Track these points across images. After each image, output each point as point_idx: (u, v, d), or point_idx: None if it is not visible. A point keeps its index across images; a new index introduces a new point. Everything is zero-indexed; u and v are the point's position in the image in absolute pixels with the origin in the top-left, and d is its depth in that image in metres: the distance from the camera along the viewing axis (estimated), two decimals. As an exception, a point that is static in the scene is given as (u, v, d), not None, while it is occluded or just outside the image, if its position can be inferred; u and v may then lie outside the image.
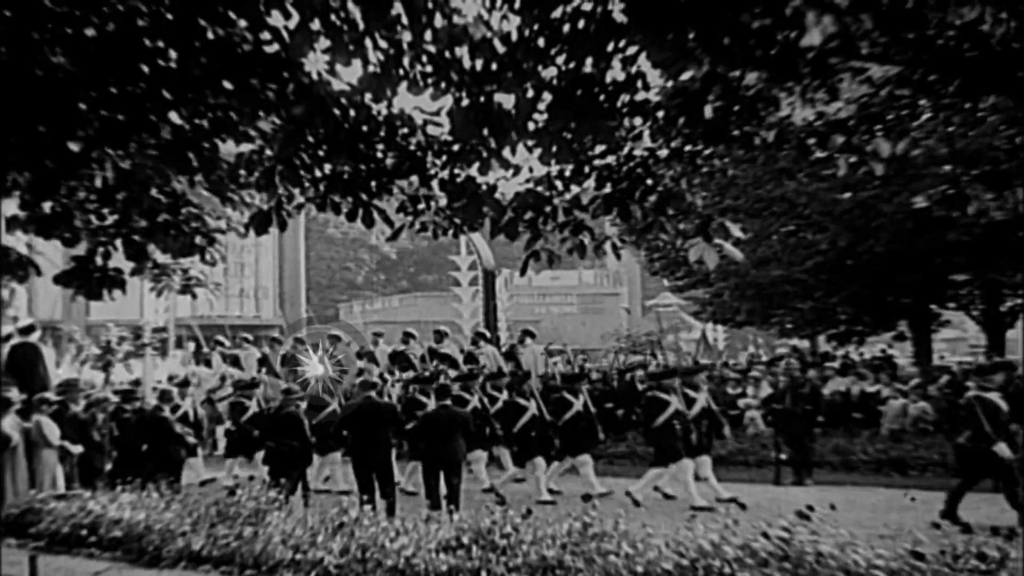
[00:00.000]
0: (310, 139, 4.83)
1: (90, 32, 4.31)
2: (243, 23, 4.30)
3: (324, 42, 4.24)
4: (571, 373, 13.02)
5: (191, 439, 11.38)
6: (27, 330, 12.53)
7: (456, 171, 5.09)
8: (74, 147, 4.66)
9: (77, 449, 10.48)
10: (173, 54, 4.33)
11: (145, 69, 4.33)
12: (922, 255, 16.21)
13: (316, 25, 4.11)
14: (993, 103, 11.34)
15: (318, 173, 5.18)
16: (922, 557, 5.44)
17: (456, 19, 4.22)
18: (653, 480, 10.79)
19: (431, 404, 11.17)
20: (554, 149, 4.67)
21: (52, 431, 10.22)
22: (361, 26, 4.14)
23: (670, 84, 4.52)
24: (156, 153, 4.89)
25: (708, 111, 4.42)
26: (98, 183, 5.21)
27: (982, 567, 5.29)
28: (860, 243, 16.77)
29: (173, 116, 4.70)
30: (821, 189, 16.70)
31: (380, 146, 5.01)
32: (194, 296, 7.16)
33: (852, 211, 16.62)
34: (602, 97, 4.34)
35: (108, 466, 10.77)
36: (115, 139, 4.73)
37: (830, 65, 4.19)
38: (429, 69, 4.36)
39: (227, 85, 4.37)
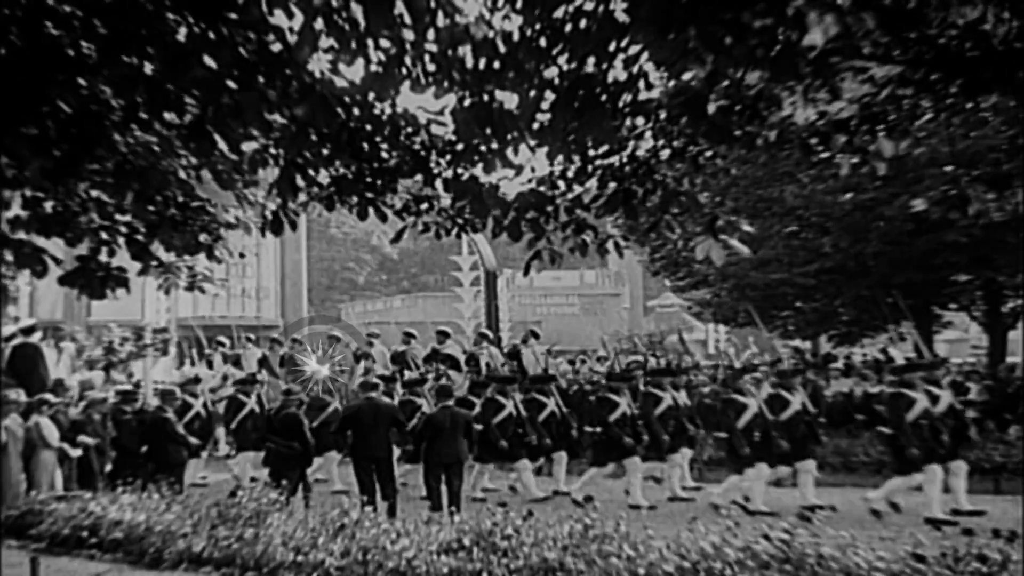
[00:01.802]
0: (313, 138, 4.83)
1: (100, 22, 4.31)
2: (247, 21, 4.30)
3: (326, 41, 4.23)
4: (788, 368, 11.76)
5: (193, 440, 11.37)
6: (29, 330, 12.53)
7: (459, 170, 5.08)
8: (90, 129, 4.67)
9: (76, 452, 10.46)
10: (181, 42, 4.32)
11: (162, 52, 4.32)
12: (922, 256, 16.20)
13: (319, 24, 4.10)
14: (994, 103, 11.34)
15: (323, 173, 5.19)
16: (923, 559, 5.44)
17: (458, 18, 4.21)
18: (899, 489, 9.61)
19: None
20: (556, 148, 4.67)
21: (51, 432, 10.21)
22: (363, 25, 4.13)
23: (672, 84, 4.52)
24: (176, 136, 4.89)
25: (710, 110, 4.41)
26: (110, 167, 5.21)
27: (983, 569, 5.28)
28: (860, 244, 16.76)
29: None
30: (820, 191, 16.69)
31: (384, 145, 5.01)
32: (202, 291, 7.15)
33: (852, 213, 16.61)
34: (604, 97, 4.33)
35: (108, 467, 10.76)
36: (136, 119, 4.72)
37: (832, 64, 4.18)
38: (432, 68, 4.35)
39: (231, 84, 4.36)
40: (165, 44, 4.26)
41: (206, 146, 4.70)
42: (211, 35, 4.19)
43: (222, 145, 4.81)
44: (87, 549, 7.94)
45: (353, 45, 4.19)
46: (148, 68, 4.40)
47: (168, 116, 4.75)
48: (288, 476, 9.31)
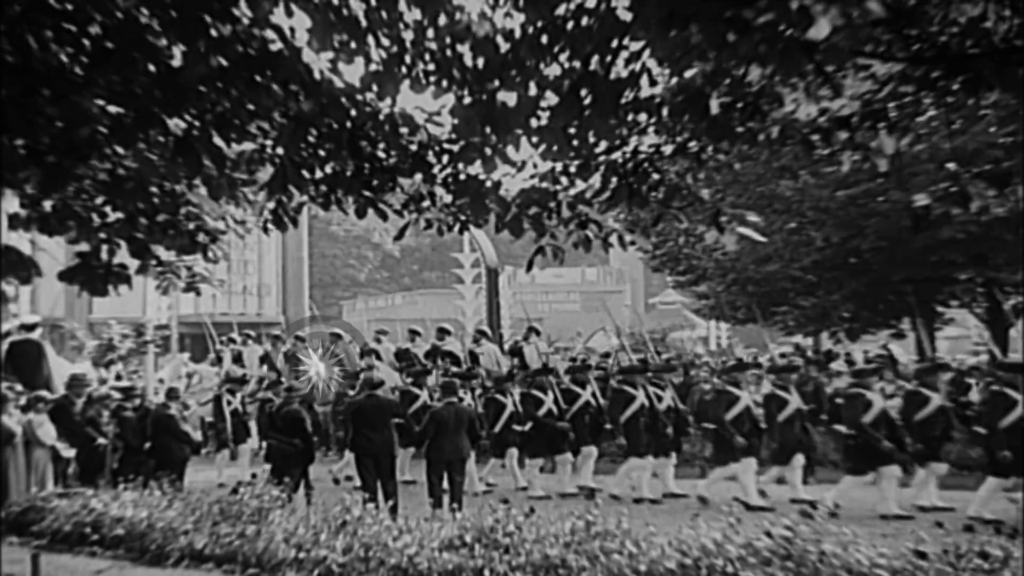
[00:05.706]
0: (312, 137, 4.83)
1: (94, 29, 4.30)
2: (246, 21, 4.29)
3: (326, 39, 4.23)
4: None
5: (197, 436, 11.40)
6: (31, 327, 12.53)
7: (460, 168, 5.08)
8: (81, 141, 4.66)
9: (69, 453, 10.43)
10: (177, 53, 4.31)
11: (151, 67, 4.31)
12: (920, 252, 16.16)
13: (320, 22, 4.10)
14: (995, 100, 11.32)
15: (321, 173, 5.18)
16: (925, 556, 5.43)
17: (459, 16, 4.21)
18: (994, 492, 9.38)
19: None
20: (556, 147, 4.66)
21: (45, 431, 10.18)
22: (364, 23, 4.13)
23: (674, 81, 4.51)
24: (161, 154, 4.88)
25: (713, 107, 4.40)
26: (103, 177, 5.21)
27: (985, 566, 5.28)
28: (858, 240, 16.72)
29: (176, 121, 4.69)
30: (816, 186, 16.64)
31: (383, 144, 5.00)
32: (198, 293, 7.16)
33: (847, 208, 16.57)
34: (605, 94, 4.32)
35: (114, 464, 10.76)
36: (122, 137, 4.71)
37: (837, 56, 4.17)
38: (431, 67, 4.34)
39: (230, 85, 4.36)
40: (157, 59, 4.26)
41: (192, 161, 4.69)
42: (213, 33, 4.18)
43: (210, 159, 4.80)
44: (88, 546, 7.95)
45: (353, 44, 4.18)
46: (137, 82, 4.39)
47: (154, 132, 4.72)
48: (290, 473, 9.30)
